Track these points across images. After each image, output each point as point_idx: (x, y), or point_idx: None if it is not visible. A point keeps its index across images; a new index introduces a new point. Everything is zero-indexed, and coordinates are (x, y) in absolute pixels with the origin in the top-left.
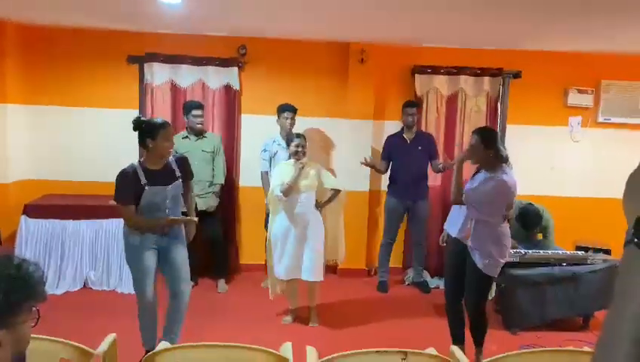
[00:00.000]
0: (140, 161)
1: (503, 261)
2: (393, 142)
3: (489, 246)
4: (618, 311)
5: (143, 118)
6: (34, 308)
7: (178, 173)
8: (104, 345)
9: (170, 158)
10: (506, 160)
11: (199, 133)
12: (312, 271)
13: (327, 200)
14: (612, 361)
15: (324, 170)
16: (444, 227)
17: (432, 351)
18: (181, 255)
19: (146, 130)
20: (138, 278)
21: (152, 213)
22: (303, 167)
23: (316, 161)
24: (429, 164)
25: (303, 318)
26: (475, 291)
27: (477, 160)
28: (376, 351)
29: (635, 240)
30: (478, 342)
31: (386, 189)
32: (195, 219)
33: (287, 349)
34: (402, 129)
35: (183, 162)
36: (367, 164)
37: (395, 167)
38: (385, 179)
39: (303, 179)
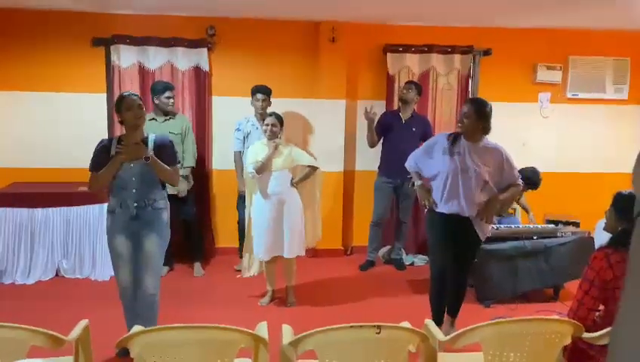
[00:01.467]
0: (119, 136)
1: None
2: (388, 119)
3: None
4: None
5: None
6: None
7: (151, 151)
8: (76, 331)
9: (152, 137)
10: (488, 131)
11: (168, 114)
12: (292, 248)
13: (302, 176)
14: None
15: (296, 148)
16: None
17: (406, 324)
18: (153, 244)
19: (115, 104)
20: (112, 262)
21: (120, 191)
22: (276, 146)
23: (289, 141)
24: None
25: (280, 299)
26: (470, 259)
27: (465, 129)
28: (351, 326)
29: None
30: (456, 312)
31: (366, 169)
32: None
33: (262, 328)
34: (399, 107)
35: (162, 144)
36: (367, 116)
37: (386, 145)
38: (359, 159)
39: (277, 157)
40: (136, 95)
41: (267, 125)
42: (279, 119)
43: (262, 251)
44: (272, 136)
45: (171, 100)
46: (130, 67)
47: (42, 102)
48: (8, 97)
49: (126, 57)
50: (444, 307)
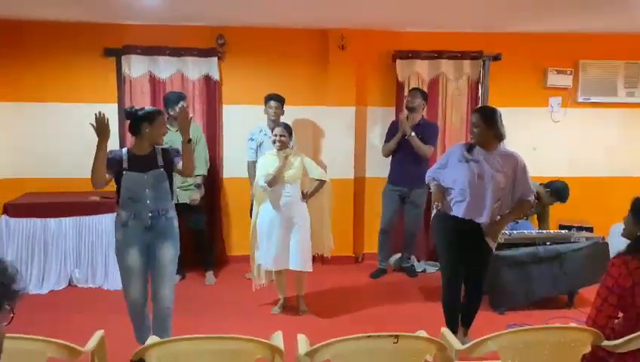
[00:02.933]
0: (128, 148)
1: None
2: (396, 128)
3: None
4: None
5: (136, 107)
6: (7, 307)
7: (161, 163)
8: (92, 342)
9: (159, 147)
10: (502, 138)
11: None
12: (299, 260)
13: (312, 190)
14: None
15: (307, 159)
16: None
17: (422, 333)
18: (168, 253)
19: (143, 116)
20: (122, 276)
21: (134, 204)
22: (286, 157)
23: (299, 149)
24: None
25: (291, 307)
26: (484, 266)
27: (477, 139)
28: (368, 336)
29: None
30: (470, 322)
31: (376, 176)
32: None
33: (278, 338)
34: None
35: (168, 153)
36: (401, 121)
37: (395, 154)
38: (370, 165)
39: (288, 169)
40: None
41: (275, 136)
42: (288, 129)
43: (270, 261)
44: (282, 146)
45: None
46: (141, 77)
47: (54, 113)
48: (21, 108)
49: (137, 67)
50: (458, 313)
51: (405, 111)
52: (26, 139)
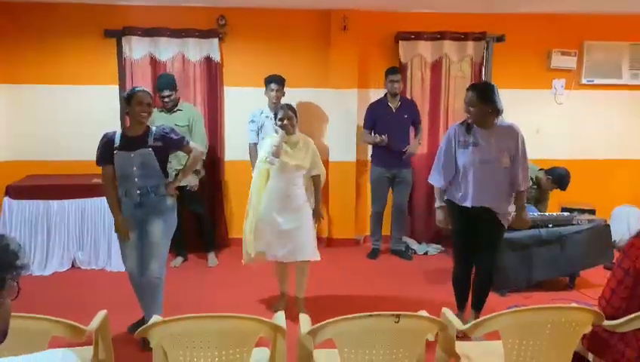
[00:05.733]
0: (122, 129)
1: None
2: (378, 111)
3: (510, 200)
4: None
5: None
6: (13, 283)
7: (151, 142)
8: (96, 322)
9: (153, 129)
10: (500, 112)
11: (170, 109)
12: (308, 250)
13: (316, 196)
14: None
15: (315, 149)
16: (460, 200)
17: (424, 313)
18: (157, 229)
19: (126, 97)
20: (120, 248)
21: (124, 181)
22: (287, 133)
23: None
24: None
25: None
26: (497, 248)
27: (474, 118)
28: (369, 315)
29: None
30: (481, 306)
31: (370, 159)
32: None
33: (280, 317)
34: (385, 96)
35: (162, 133)
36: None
37: (378, 134)
38: (372, 149)
39: (292, 149)
40: (148, 92)
41: (281, 120)
42: (293, 110)
43: (277, 252)
44: (289, 129)
45: (166, 99)
46: (142, 59)
47: (55, 95)
48: (21, 90)
49: (137, 49)
50: (468, 291)
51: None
52: (27, 121)
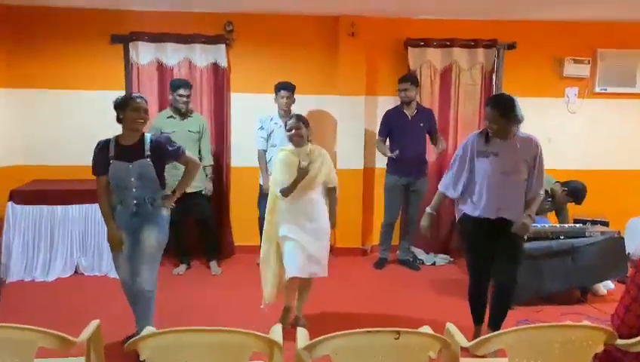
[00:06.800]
0: (116, 136)
1: None
2: (393, 118)
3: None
4: None
5: (121, 96)
6: None
7: (147, 152)
8: (87, 332)
9: (148, 137)
10: (521, 121)
11: (184, 114)
12: (321, 266)
13: (332, 210)
14: None
15: (329, 160)
16: (470, 212)
17: (426, 329)
18: (151, 237)
19: (118, 103)
20: (112, 257)
21: (120, 191)
22: (308, 166)
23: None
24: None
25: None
26: (517, 261)
27: (496, 133)
28: (368, 331)
29: None
30: (499, 324)
31: (385, 167)
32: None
33: (276, 332)
34: (402, 104)
35: (158, 143)
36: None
37: (395, 144)
38: (380, 157)
39: (315, 175)
40: (144, 99)
41: (291, 130)
42: (304, 120)
43: (295, 269)
44: (299, 141)
45: (184, 98)
46: (149, 64)
47: (61, 101)
48: (28, 95)
49: (144, 54)
50: (485, 306)
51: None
52: (34, 126)
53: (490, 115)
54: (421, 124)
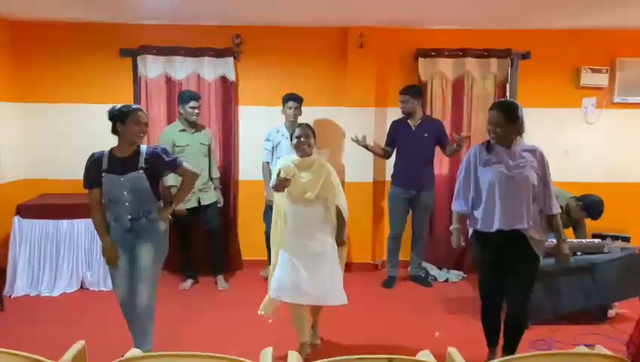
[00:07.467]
0: (110, 148)
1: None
2: (398, 129)
3: (541, 224)
4: None
5: (117, 106)
6: None
7: (141, 165)
8: (69, 355)
9: (144, 148)
10: (524, 131)
11: (195, 126)
12: (334, 293)
13: (340, 233)
14: None
15: (333, 173)
16: (479, 226)
17: (426, 353)
18: (148, 254)
19: (117, 114)
20: (110, 274)
21: (114, 205)
22: (287, 178)
23: (317, 151)
24: (439, 151)
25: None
26: (530, 283)
27: (499, 139)
28: (359, 358)
29: None
30: (513, 349)
31: (390, 179)
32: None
33: (266, 355)
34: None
35: (155, 154)
36: (360, 144)
37: (399, 155)
38: (389, 169)
39: (309, 189)
40: (144, 111)
41: (298, 138)
42: (312, 130)
43: (287, 293)
44: (305, 151)
45: (196, 110)
46: (157, 78)
47: (70, 114)
48: (36, 109)
49: (153, 68)
50: (499, 328)
51: None
52: (42, 140)
53: (495, 118)
54: (425, 135)
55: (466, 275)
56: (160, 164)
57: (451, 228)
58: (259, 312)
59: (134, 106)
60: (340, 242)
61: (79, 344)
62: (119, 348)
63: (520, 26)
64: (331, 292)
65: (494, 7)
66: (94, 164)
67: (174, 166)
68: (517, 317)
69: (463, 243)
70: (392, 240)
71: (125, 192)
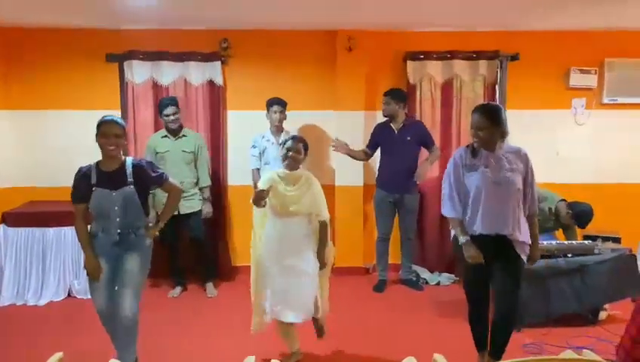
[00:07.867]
0: (96, 161)
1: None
2: (380, 132)
3: (525, 227)
4: None
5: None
6: None
7: (130, 179)
8: None
9: (129, 162)
10: (507, 134)
11: (176, 133)
12: (298, 310)
13: (321, 247)
14: None
15: (318, 189)
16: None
17: (410, 360)
18: (134, 263)
19: (96, 126)
20: (89, 284)
21: (103, 219)
22: (264, 191)
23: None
24: (421, 154)
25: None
26: (516, 285)
27: (483, 142)
28: None
29: None
30: (500, 353)
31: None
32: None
33: None
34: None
35: (139, 169)
36: (338, 150)
37: (382, 159)
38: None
39: (293, 202)
40: (116, 123)
41: (287, 150)
42: (305, 144)
43: (277, 314)
44: (294, 164)
45: (171, 117)
46: (144, 83)
47: (56, 120)
48: (22, 116)
49: (139, 73)
50: (487, 332)
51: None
52: (30, 147)
53: (478, 121)
54: (408, 138)
55: (457, 278)
56: (146, 178)
57: (461, 241)
58: (252, 332)
59: (105, 118)
60: (322, 264)
61: (57, 355)
62: (103, 358)
63: (508, 28)
64: (306, 311)
65: (482, 9)
66: (84, 178)
67: (160, 181)
68: (506, 318)
69: (481, 259)
70: (380, 243)
71: (116, 207)
